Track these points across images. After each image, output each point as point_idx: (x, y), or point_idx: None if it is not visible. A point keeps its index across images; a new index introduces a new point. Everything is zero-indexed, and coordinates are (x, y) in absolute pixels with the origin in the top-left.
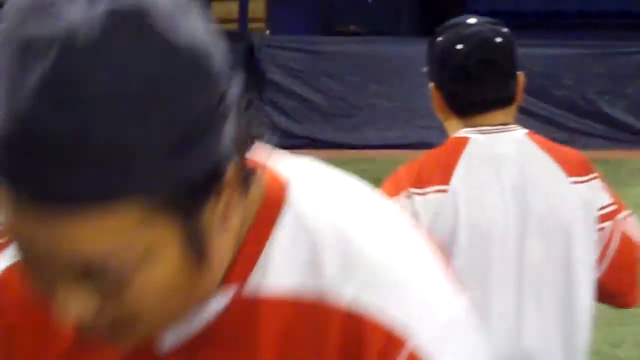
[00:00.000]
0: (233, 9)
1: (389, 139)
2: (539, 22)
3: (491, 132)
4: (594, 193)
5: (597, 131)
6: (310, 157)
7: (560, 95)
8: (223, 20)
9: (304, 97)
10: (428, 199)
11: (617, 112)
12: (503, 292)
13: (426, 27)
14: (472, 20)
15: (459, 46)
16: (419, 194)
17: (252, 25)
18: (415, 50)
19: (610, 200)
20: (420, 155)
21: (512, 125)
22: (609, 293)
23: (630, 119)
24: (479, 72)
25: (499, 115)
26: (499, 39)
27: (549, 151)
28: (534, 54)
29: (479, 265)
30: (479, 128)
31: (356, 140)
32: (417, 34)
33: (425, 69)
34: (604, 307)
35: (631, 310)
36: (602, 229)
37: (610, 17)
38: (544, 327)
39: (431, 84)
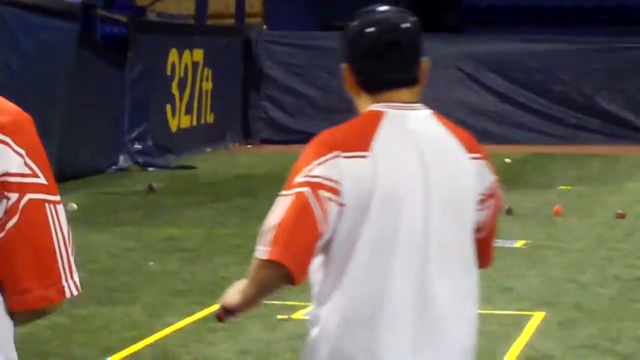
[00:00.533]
0: (230, 4)
1: None
2: (536, 18)
3: (401, 109)
4: (485, 170)
5: (594, 127)
6: None
7: (558, 91)
8: (220, 16)
9: (301, 92)
10: (351, 162)
11: (615, 108)
12: (406, 264)
13: (422, 23)
14: (383, 7)
15: (369, 29)
16: (345, 157)
17: (250, 21)
18: None
19: (493, 177)
20: None
21: (418, 104)
22: (481, 251)
23: (627, 115)
24: (386, 53)
25: (405, 93)
26: (405, 25)
27: (451, 130)
28: (531, 50)
29: (389, 228)
30: (389, 104)
31: None
32: None
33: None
34: (603, 304)
35: (629, 305)
36: (490, 205)
37: (607, 12)
38: (447, 282)
39: (344, 64)
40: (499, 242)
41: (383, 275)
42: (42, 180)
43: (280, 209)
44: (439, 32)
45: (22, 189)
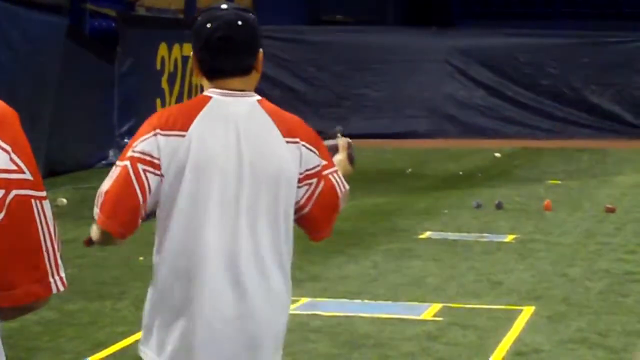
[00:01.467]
0: None
1: (375, 128)
2: (525, 12)
3: (230, 95)
4: (305, 153)
5: (583, 120)
6: None
7: (547, 84)
8: None
9: (290, 86)
10: (169, 140)
11: (604, 102)
12: (219, 223)
13: (412, 17)
14: (224, 5)
15: (208, 25)
16: (163, 134)
17: None
18: (401, 40)
19: (320, 162)
20: (408, 144)
21: (248, 92)
22: (309, 227)
23: (616, 109)
24: (220, 46)
25: (237, 82)
26: (239, 22)
27: (273, 116)
28: (520, 44)
29: (201, 194)
30: (222, 90)
31: (343, 130)
32: (402, 24)
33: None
34: (593, 298)
35: (619, 300)
36: (310, 183)
37: (596, 7)
38: (255, 237)
39: (192, 54)
40: (488, 237)
41: (198, 230)
42: (28, 176)
43: (109, 177)
44: (429, 27)
45: (8, 185)
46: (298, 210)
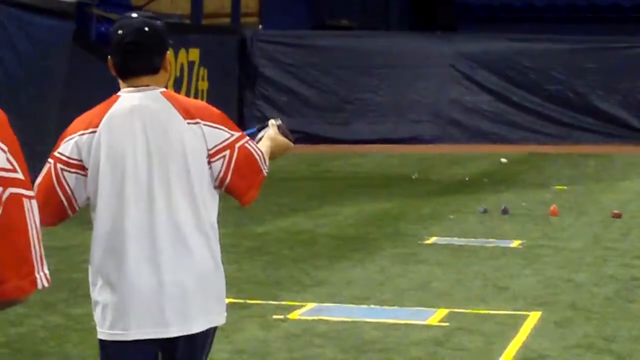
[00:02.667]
0: (226, 3)
1: (379, 133)
2: (530, 17)
3: (136, 91)
4: (208, 131)
5: (589, 126)
6: (302, 152)
7: (552, 90)
8: (216, 15)
9: (296, 91)
10: (84, 139)
11: (610, 107)
12: (137, 203)
13: (416, 22)
14: (134, 14)
15: (119, 31)
16: (81, 134)
17: (245, 20)
18: (406, 45)
19: (228, 136)
20: (414, 150)
21: (153, 87)
22: (236, 194)
23: (622, 114)
24: (129, 50)
25: (145, 79)
26: (146, 28)
27: (174, 102)
28: (526, 49)
29: (117, 178)
30: (130, 88)
31: (347, 135)
32: (407, 29)
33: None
34: (599, 304)
35: (626, 305)
36: (224, 155)
37: (601, 11)
38: (172, 214)
39: (109, 58)
40: (494, 242)
41: (119, 212)
42: (20, 175)
43: (41, 173)
44: (433, 31)
45: (5, 183)
46: (222, 182)
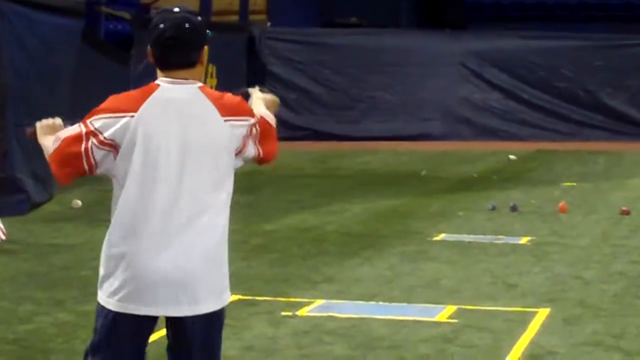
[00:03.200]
0: (234, 1)
1: (389, 131)
2: (539, 14)
3: (175, 83)
4: (239, 125)
5: (598, 123)
6: (312, 149)
7: (562, 87)
8: (224, 13)
9: (305, 88)
10: (122, 121)
11: (619, 104)
12: (163, 189)
13: (425, 19)
14: (176, 9)
15: (160, 26)
16: (120, 117)
17: (253, 17)
18: (415, 43)
19: (252, 122)
20: (423, 147)
21: (191, 80)
22: (267, 158)
23: (631, 111)
24: (169, 44)
25: (183, 73)
26: (187, 24)
27: (211, 98)
28: (535, 46)
29: (149, 164)
30: (169, 79)
31: (357, 132)
32: (416, 26)
33: None
34: (608, 300)
35: (635, 302)
36: (253, 139)
37: (611, 9)
38: (195, 200)
39: (149, 47)
40: (503, 239)
41: (146, 195)
42: None
43: (71, 129)
44: (443, 29)
45: None
46: (257, 157)
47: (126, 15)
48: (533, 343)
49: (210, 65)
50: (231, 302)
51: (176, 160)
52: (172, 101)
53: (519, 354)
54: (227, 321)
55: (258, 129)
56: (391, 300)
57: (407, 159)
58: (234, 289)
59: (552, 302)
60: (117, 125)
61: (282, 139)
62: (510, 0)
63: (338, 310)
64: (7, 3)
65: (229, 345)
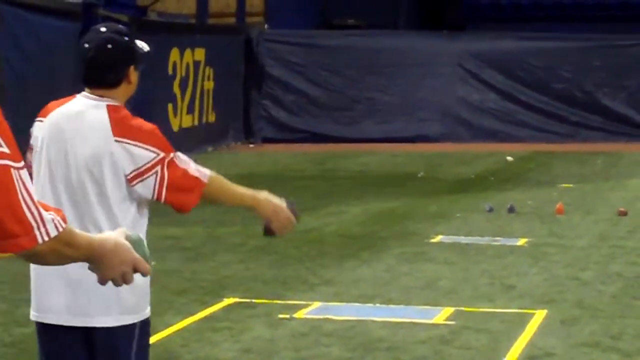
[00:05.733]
0: (231, 3)
1: (387, 132)
2: (537, 15)
3: (87, 98)
4: (135, 152)
5: (596, 124)
6: (309, 151)
7: (559, 88)
8: (221, 15)
9: (303, 90)
10: (37, 124)
11: (617, 105)
12: (51, 194)
13: (423, 20)
14: (102, 29)
15: (86, 45)
16: (38, 120)
17: (251, 19)
18: (414, 44)
19: (155, 155)
20: (420, 148)
21: (106, 98)
22: (176, 208)
23: (629, 112)
24: (90, 64)
25: (100, 91)
26: (109, 45)
27: (112, 118)
28: (533, 47)
29: (48, 177)
30: (86, 94)
31: (355, 134)
32: (414, 28)
33: None
34: (606, 302)
35: (633, 303)
36: (155, 172)
37: (608, 9)
38: (83, 217)
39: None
40: (501, 240)
41: (53, 195)
42: (5, 149)
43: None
44: (441, 30)
45: None
46: (157, 198)
47: (123, 17)
48: (531, 344)
49: (208, 68)
50: (229, 305)
51: (60, 171)
52: (74, 114)
53: (516, 355)
54: (225, 323)
55: (166, 170)
56: (389, 302)
57: (404, 160)
58: (232, 292)
59: (549, 303)
60: (35, 128)
61: (280, 140)
62: (509, 1)
63: (336, 313)
64: (4, 5)
65: (227, 348)
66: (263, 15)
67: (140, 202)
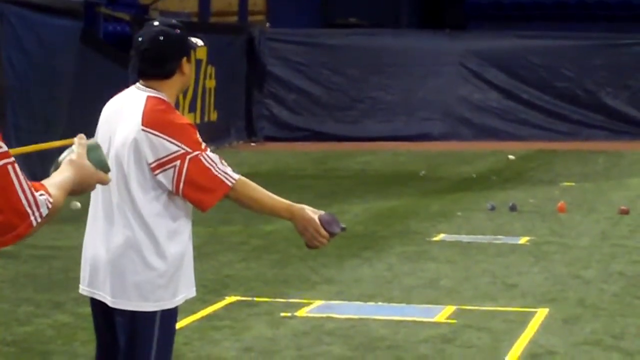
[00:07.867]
0: (233, 2)
1: (389, 131)
2: (539, 14)
3: (136, 89)
4: (158, 142)
5: (598, 123)
6: (311, 149)
7: (561, 87)
8: (223, 14)
9: (305, 89)
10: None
11: (618, 104)
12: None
13: (425, 19)
14: (155, 22)
15: (139, 38)
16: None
17: (253, 18)
18: (415, 43)
19: (177, 149)
20: (422, 147)
21: (151, 89)
22: (194, 205)
23: (631, 111)
24: (144, 56)
25: (153, 83)
26: (161, 37)
27: (145, 107)
28: (535, 46)
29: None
30: (138, 84)
31: (357, 133)
32: (416, 27)
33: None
34: (607, 300)
35: (634, 302)
36: (174, 165)
37: (610, 8)
38: (115, 201)
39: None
40: (502, 239)
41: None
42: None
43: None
44: (443, 29)
45: None
46: (175, 191)
47: (125, 16)
48: (532, 343)
49: (210, 67)
50: (231, 303)
51: (110, 153)
52: (119, 102)
53: (518, 354)
54: (226, 322)
55: (187, 165)
56: (390, 300)
57: (406, 159)
58: (233, 290)
59: (551, 302)
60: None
61: (281, 139)
62: (510, 0)
63: (337, 311)
64: (6, 4)
65: (229, 346)
66: (265, 14)
67: (171, 198)
